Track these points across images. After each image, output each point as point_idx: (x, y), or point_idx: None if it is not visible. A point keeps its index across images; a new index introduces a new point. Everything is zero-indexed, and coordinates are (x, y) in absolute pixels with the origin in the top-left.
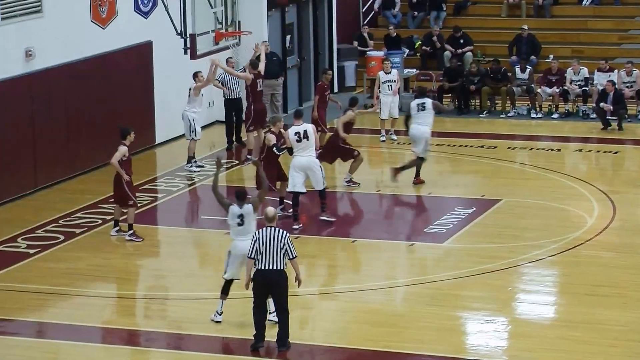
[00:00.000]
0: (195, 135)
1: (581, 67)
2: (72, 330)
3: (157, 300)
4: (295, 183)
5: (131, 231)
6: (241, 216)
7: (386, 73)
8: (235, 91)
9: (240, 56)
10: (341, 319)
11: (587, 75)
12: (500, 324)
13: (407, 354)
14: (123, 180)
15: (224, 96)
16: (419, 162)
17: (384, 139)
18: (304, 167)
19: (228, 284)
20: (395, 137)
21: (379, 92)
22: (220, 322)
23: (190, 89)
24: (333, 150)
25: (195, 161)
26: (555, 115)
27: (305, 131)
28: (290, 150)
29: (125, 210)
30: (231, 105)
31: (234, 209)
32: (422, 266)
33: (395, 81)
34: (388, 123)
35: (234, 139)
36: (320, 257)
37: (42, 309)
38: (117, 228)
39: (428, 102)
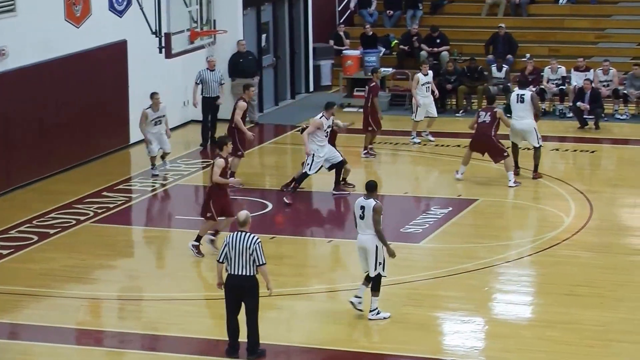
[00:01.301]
0: (151, 153)
1: (559, 66)
2: (46, 331)
3: (132, 301)
4: None
5: (197, 243)
6: (363, 208)
7: (424, 75)
8: (214, 89)
9: (216, 55)
10: (317, 319)
11: (565, 74)
12: (477, 324)
13: (384, 355)
14: (211, 194)
15: (202, 94)
16: (538, 153)
17: (418, 140)
18: None
19: (367, 277)
20: (432, 138)
21: (417, 93)
22: (360, 309)
23: (143, 110)
24: (485, 143)
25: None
26: None
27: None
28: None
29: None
30: (208, 103)
31: (360, 200)
32: (398, 266)
33: (431, 82)
34: (423, 124)
35: (209, 137)
36: (296, 257)
37: (16, 310)
38: (213, 239)
39: (527, 94)
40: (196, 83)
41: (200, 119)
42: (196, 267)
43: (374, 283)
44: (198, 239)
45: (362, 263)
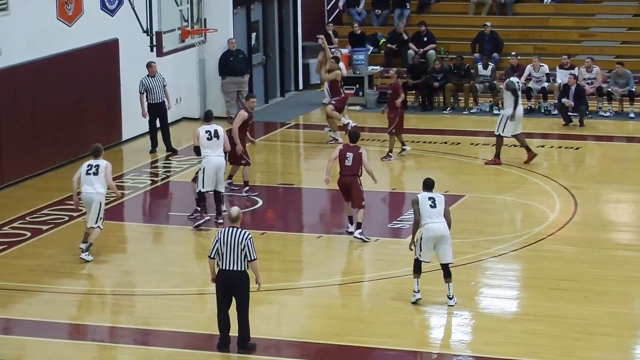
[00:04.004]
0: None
1: (541, 64)
2: (40, 326)
3: (124, 296)
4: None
5: (360, 229)
6: (432, 199)
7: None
8: (158, 95)
9: (206, 54)
10: (306, 313)
11: (548, 72)
12: (464, 318)
13: (372, 348)
14: (360, 183)
15: (147, 101)
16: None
17: None
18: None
19: (419, 262)
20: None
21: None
22: (419, 299)
23: (101, 166)
24: None
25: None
26: None
27: (215, 130)
28: (198, 150)
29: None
30: (154, 109)
31: (422, 194)
32: (386, 261)
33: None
34: None
35: (157, 143)
36: (286, 253)
37: (9, 305)
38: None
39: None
40: (140, 93)
41: (196, 116)
42: (187, 262)
43: (449, 270)
44: (359, 226)
45: (428, 253)
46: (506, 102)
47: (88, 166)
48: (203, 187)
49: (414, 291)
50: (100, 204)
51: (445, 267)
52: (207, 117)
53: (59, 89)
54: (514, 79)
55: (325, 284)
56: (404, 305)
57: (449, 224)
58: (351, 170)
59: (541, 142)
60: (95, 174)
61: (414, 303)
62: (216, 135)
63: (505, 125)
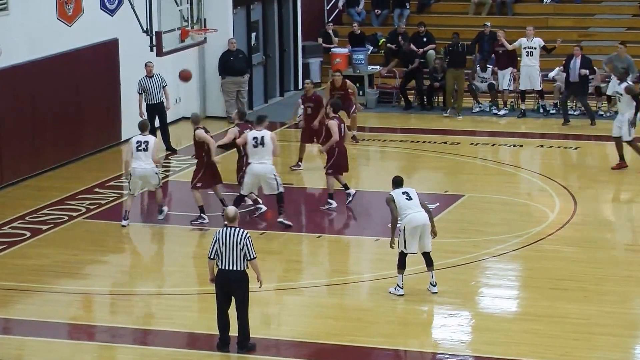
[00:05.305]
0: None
1: (536, 37)
2: (39, 326)
3: (123, 296)
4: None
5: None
6: (405, 192)
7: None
8: (155, 95)
9: (206, 54)
10: (306, 313)
11: (542, 44)
12: (464, 318)
13: (372, 348)
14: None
15: (145, 101)
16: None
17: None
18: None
19: (403, 257)
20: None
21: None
22: (402, 294)
23: (150, 142)
24: None
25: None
26: (515, 111)
27: (262, 137)
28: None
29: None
30: (151, 110)
31: (395, 191)
32: (386, 261)
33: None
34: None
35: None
36: (286, 253)
37: (9, 305)
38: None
39: (620, 88)
40: (139, 93)
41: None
42: (186, 261)
43: (431, 259)
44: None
45: (413, 244)
46: (624, 107)
47: (137, 142)
48: (243, 190)
49: (398, 285)
50: (156, 173)
51: (427, 256)
52: (260, 120)
53: (59, 89)
54: (632, 83)
55: (325, 284)
56: (404, 305)
57: (429, 213)
58: (345, 139)
59: (540, 142)
60: (145, 150)
61: (400, 295)
62: (262, 142)
63: (629, 130)
